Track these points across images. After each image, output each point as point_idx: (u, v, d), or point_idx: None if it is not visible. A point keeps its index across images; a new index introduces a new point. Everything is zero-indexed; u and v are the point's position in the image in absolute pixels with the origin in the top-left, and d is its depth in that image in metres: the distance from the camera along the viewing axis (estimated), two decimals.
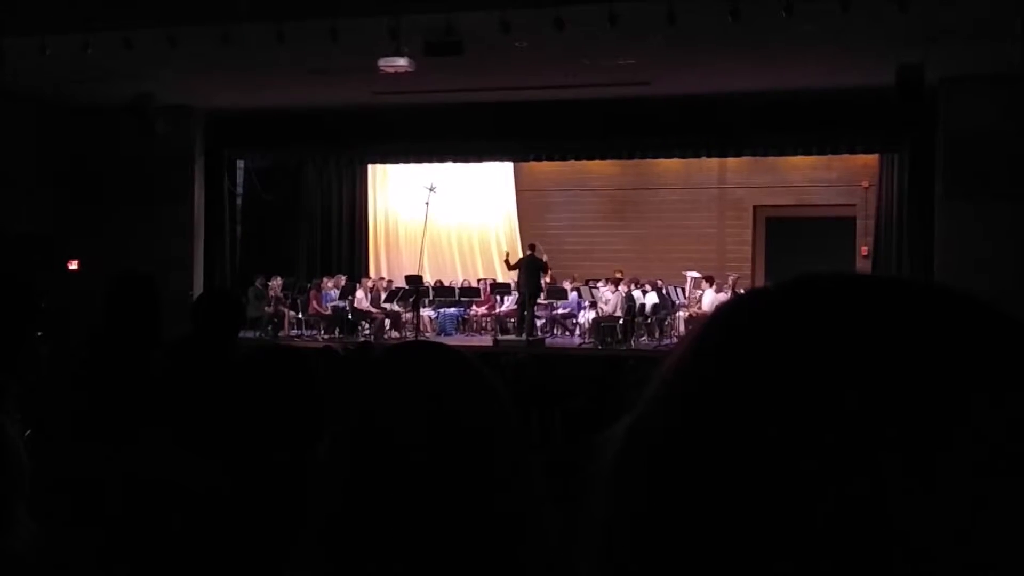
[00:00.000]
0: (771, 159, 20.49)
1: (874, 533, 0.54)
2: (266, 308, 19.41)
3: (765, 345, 0.60)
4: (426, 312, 20.09)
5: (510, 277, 19.82)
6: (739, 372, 0.60)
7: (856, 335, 0.58)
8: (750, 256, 22.56)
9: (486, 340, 18.67)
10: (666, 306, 19.17)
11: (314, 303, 19.89)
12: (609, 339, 18.16)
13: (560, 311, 20.27)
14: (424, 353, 1.72)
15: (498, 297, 20.53)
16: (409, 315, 19.62)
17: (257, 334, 18.51)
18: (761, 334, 0.61)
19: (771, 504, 0.56)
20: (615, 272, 20.03)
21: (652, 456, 0.61)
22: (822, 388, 0.57)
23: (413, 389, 1.61)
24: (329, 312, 19.74)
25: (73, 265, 18.51)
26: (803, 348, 0.59)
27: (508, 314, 19.95)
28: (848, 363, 0.57)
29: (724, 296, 18.27)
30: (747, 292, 0.67)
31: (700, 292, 19.13)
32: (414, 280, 19.63)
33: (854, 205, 21.42)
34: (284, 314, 19.75)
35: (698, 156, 19.98)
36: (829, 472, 0.55)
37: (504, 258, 20.52)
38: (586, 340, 18.75)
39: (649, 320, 19.13)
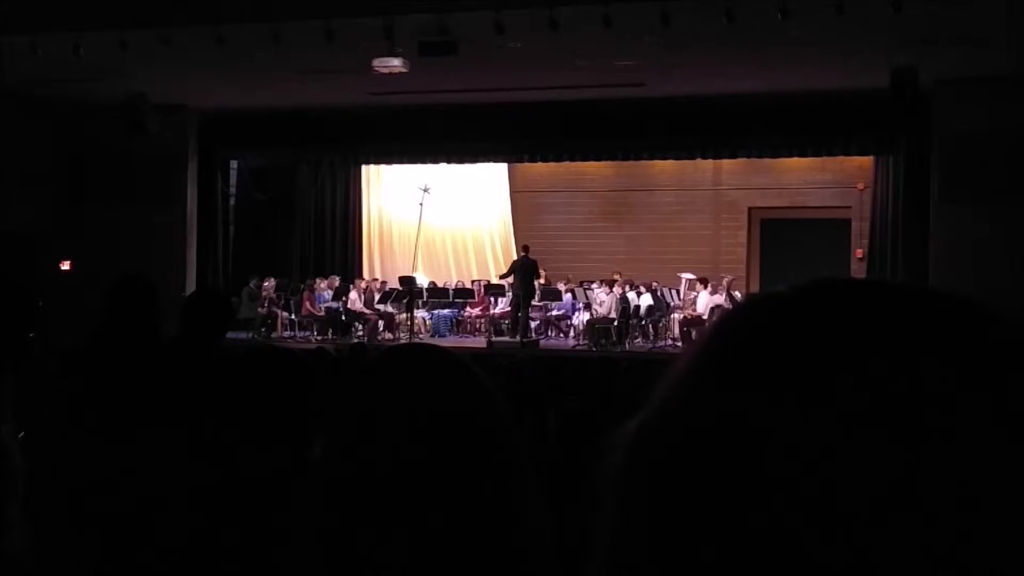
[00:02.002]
0: (766, 161, 20.53)
1: (898, 550, 0.54)
2: (259, 309, 19.40)
3: (781, 348, 0.60)
4: (420, 313, 20.08)
5: (504, 279, 19.85)
6: (754, 374, 0.60)
7: (870, 340, 0.59)
8: (745, 258, 22.57)
9: (480, 341, 18.69)
10: (660, 308, 19.18)
11: (307, 304, 19.87)
12: (603, 341, 18.17)
13: (554, 313, 20.28)
14: (419, 356, 1.71)
15: (492, 298, 20.52)
16: (403, 316, 19.61)
17: (250, 335, 18.51)
18: (777, 337, 0.61)
19: (789, 507, 0.56)
20: (611, 274, 20.04)
21: (666, 457, 0.61)
22: (838, 392, 0.57)
23: (408, 392, 1.60)
24: (322, 313, 19.73)
25: (65, 265, 18.49)
26: (819, 352, 0.59)
27: (502, 315, 19.95)
28: (861, 366, 0.57)
29: (719, 298, 18.29)
30: (759, 295, 0.67)
31: (695, 294, 19.14)
32: (408, 281, 19.62)
33: (849, 207, 21.45)
34: (277, 315, 19.74)
35: (693, 157, 20.03)
36: (847, 475, 0.55)
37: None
38: (580, 342, 18.76)
39: (644, 322, 19.14)
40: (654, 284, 19.63)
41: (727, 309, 0.68)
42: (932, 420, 0.55)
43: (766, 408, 0.58)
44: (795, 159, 20.29)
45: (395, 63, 13.55)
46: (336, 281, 20.51)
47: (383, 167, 23.08)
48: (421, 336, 19.13)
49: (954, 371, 0.57)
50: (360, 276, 22.16)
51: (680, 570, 0.59)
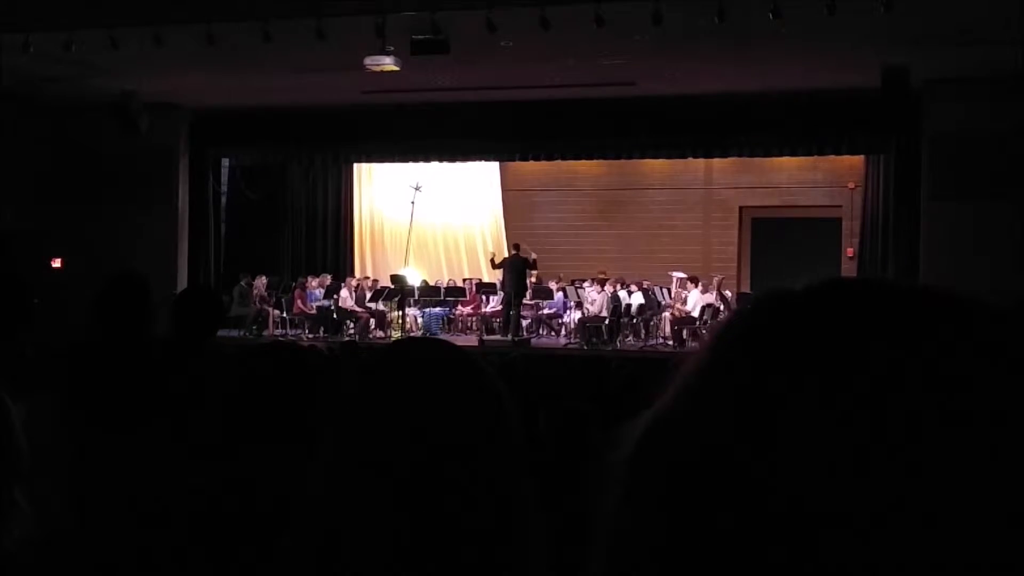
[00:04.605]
0: (757, 160, 20.54)
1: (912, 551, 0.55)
2: (251, 307, 19.37)
3: (797, 347, 0.61)
4: (411, 312, 20.07)
5: (495, 277, 19.83)
6: (768, 373, 0.60)
7: (887, 341, 0.59)
8: (736, 257, 22.60)
9: (471, 340, 18.66)
10: (651, 306, 19.19)
11: (299, 302, 19.84)
12: (595, 339, 18.18)
13: (546, 311, 20.28)
14: (422, 350, 1.70)
15: (484, 297, 20.52)
16: (394, 315, 19.59)
17: (241, 333, 18.48)
18: (793, 336, 0.62)
19: (792, 499, 0.56)
20: (598, 272, 20.04)
21: (679, 456, 0.61)
22: (850, 391, 0.58)
23: (408, 387, 1.59)
24: (314, 311, 19.70)
25: (56, 263, 18.44)
26: (834, 351, 0.60)
27: (493, 314, 19.95)
28: (877, 367, 0.58)
29: (710, 296, 18.30)
30: (772, 292, 0.67)
31: (685, 292, 19.15)
32: (398, 279, 19.61)
33: (840, 206, 21.49)
34: (269, 313, 19.70)
35: (684, 157, 20.03)
36: (852, 471, 0.56)
37: (490, 258, 20.53)
38: (572, 340, 18.76)
39: (635, 320, 19.16)
40: (645, 283, 19.64)
41: (739, 306, 0.68)
42: (948, 420, 0.56)
43: (782, 408, 0.58)
44: (786, 158, 20.33)
45: (387, 62, 13.53)
46: (327, 279, 20.49)
47: (374, 165, 23.07)
48: (412, 334, 19.10)
49: (965, 369, 0.58)
50: (351, 274, 22.17)
51: (690, 567, 0.59)
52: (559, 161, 21.17)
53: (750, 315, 0.66)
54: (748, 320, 0.65)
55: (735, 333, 0.65)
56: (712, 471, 0.59)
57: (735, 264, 22.45)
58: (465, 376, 1.61)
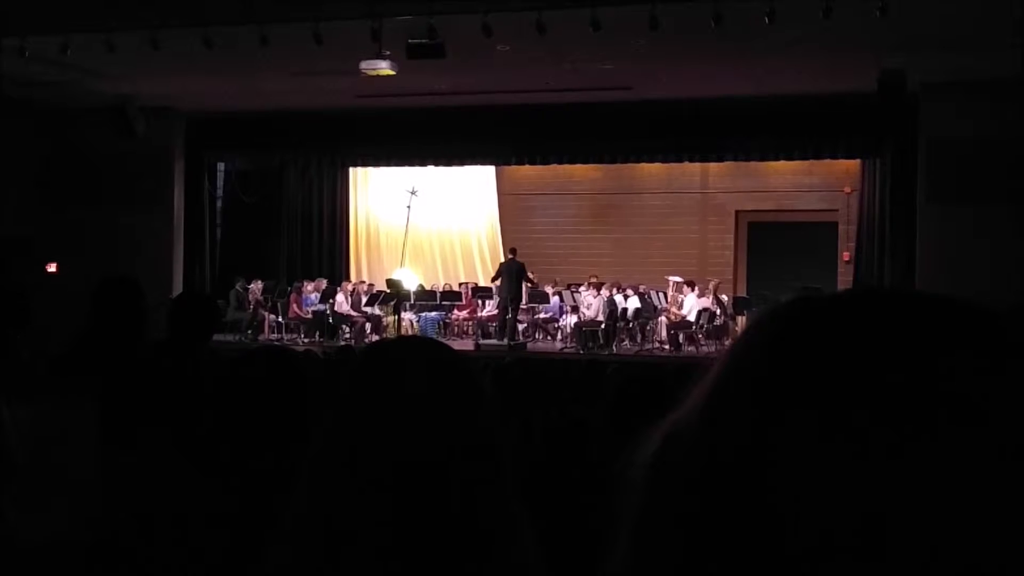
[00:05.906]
0: (753, 164, 20.56)
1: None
2: (247, 311, 19.35)
3: (794, 364, 0.61)
4: (407, 316, 20.06)
5: (493, 282, 19.84)
6: (787, 387, 0.60)
7: (914, 357, 0.59)
8: (732, 261, 22.61)
9: (467, 344, 18.66)
10: (648, 310, 19.19)
11: (294, 307, 19.82)
12: (591, 344, 18.18)
13: (542, 315, 20.28)
14: (408, 352, 1.69)
15: (480, 301, 20.51)
16: (390, 319, 19.58)
17: (237, 337, 18.46)
18: (813, 354, 0.61)
19: (793, 514, 0.56)
20: (590, 277, 20.02)
21: (684, 466, 0.62)
22: (849, 405, 0.58)
23: (394, 389, 1.58)
24: (309, 316, 19.68)
25: (52, 268, 18.42)
26: (852, 370, 0.59)
27: (490, 318, 19.94)
28: (897, 377, 0.58)
29: (706, 301, 18.31)
30: (788, 305, 0.66)
31: (682, 297, 19.15)
32: (394, 284, 19.60)
33: (836, 210, 21.52)
34: (264, 317, 19.69)
35: (680, 161, 20.06)
36: (852, 486, 0.56)
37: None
38: (568, 345, 18.76)
39: (631, 324, 19.15)
40: (641, 287, 19.65)
41: (759, 318, 0.67)
42: (946, 425, 0.56)
43: (780, 425, 0.58)
44: (782, 163, 20.32)
45: (382, 66, 13.53)
46: (323, 284, 20.45)
47: (370, 169, 23.06)
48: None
49: (962, 377, 0.58)
50: (347, 279, 22.13)
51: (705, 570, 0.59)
52: (555, 165, 21.21)
53: (756, 332, 0.66)
54: (755, 337, 0.65)
55: (743, 349, 0.65)
56: (715, 484, 0.59)
57: (731, 268, 22.46)
58: (446, 375, 1.60)
